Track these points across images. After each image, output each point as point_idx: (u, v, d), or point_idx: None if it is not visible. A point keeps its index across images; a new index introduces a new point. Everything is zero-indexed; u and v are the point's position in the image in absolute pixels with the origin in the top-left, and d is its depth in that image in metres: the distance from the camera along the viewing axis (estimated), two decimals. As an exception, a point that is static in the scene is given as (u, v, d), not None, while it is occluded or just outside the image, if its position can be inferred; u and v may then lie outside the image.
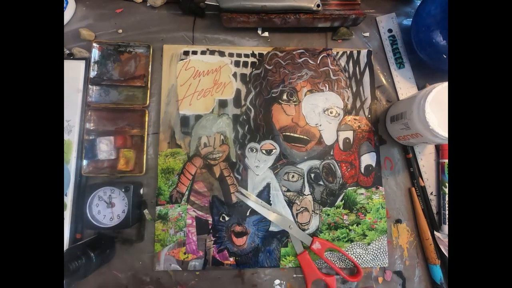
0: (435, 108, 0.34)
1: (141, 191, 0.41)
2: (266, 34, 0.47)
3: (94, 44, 0.43)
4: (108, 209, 0.39)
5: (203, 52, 0.45)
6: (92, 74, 0.43)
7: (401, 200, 0.44)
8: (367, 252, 0.42)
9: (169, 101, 0.44)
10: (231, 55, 0.45)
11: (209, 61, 0.45)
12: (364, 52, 0.47)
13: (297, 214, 0.42)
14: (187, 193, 0.42)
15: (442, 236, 0.42)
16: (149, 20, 0.46)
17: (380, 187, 0.43)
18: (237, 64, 0.45)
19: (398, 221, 0.43)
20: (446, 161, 0.43)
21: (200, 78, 0.44)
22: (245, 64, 0.45)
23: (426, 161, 0.44)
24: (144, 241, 0.40)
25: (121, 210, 0.39)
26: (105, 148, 0.41)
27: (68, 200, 0.39)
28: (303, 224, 0.42)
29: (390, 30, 0.48)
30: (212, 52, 0.45)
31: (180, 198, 0.41)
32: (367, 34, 0.47)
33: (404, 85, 0.46)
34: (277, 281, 0.41)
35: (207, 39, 0.46)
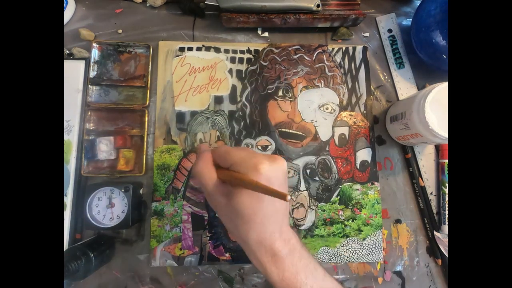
0: (435, 108, 0.34)
1: (141, 191, 0.41)
2: (266, 34, 0.47)
3: (94, 44, 0.43)
4: (107, 209, 0.39)
5: (198, 49, 0.45)
6: (92, 74, 0.43)
7: (401, 200, 0.44)
8: (362, 247, 0.42)
9: (165, 98, 0.44)
10: (226, 51, 0.45)
11: (204, 58, 0.45)
12: (359, 48, 0.47)
13: (292, 210, 0.42)
14: (182, 189, 0.42)
15: (442, 236, 0.42)
16: (149, 20, 0.46)
17: (376, 183, 0.43)
18: (232, 60, 0.45)
19: (398, 221, 0.43)
20: (446, 161, 0.43)
21: (195, 75, 0.44)
22: (241, 60, 0.45)
23: (426, 161, 0.44)
24: (144, 241, 0.40)
25: (121, 210, 0.39)
26: (105, 148, 0.41)
27: (68, 200, 0.39)
28: (298, 220, 0.42)
29: (390, 30, 0.48)
30: (207, 49, 0.45)
31: (175, 194, 0.41)
32: (367, 34, 0.47)
33: (404, 85, 0.46)
34: (277, 281, 0.41)
35: (207, 39, 0.46)
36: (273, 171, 0.27)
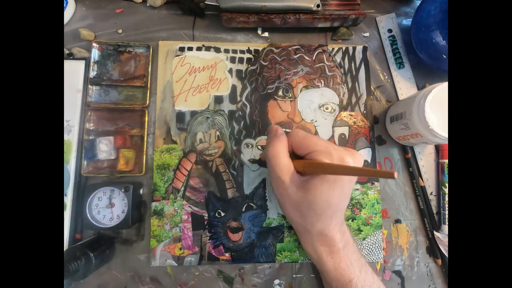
0: (435, 108, 0.34)
1: (141, 191, 0.41)
2: (266, 34, 0.47)
3: (94, 44, 0.43)
4: (107, 209, 0.39)
5: (198, 48, 0.45)
6: (92, 74, 0.43)
7: (401, 200, 0.44)
8: (362, 247, 0.42)
9: (165, 97, 0.44)
10: (226, 51, 0.45)
11: (204, 57, 0.45)
12: (359, 48, 0.47)
13: None
14: (182, 188, 0.42)
15: (442, 236, 0.42)
16: (149, 20, 0.46)
17: (376, 183, 0.43)
18: (232, 60, 0.45)
19: (398, 221, 0.43)
20: (446, 161, 0.43)
21: (195, 74, 0.44)
22: (241, 60, 0.45)
23: (426, 161, 0.44)
24: (144, 241, 0.40)
25: (121, 210, 0.39)
26: (105, 148, 0.41)
27: (68, 200, 0.39)
28: None
29: (390, 30, 0.48)
30: (207, 48, 0.45)
31: (175, 193, 0.41)
32: (367, 34, 0.48)
33: (404, 85, 0.46)
34: (276, 281, 0.41)
35: (207, 39, 0.46)
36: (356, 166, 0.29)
